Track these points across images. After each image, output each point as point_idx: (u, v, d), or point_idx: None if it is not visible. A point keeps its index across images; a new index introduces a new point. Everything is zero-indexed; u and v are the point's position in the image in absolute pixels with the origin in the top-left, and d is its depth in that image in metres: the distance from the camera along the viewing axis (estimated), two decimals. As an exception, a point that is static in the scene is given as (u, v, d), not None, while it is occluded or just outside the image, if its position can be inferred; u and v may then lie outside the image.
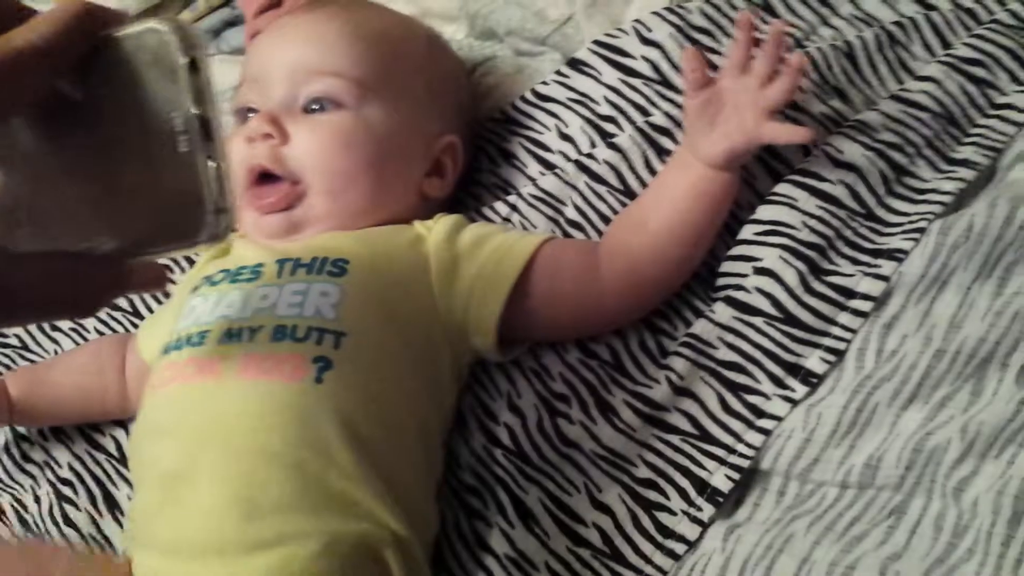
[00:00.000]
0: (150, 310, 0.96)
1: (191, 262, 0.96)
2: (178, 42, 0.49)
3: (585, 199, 0.82)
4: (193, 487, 0.67)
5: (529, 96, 0.90)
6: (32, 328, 1.00)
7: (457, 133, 0.85)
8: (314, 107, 0.79)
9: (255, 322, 0.71)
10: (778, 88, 0.69)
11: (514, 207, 0.84)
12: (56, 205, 0.53)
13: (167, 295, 0.95)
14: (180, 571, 0.67)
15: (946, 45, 0.81)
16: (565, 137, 0.87)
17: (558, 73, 0.89)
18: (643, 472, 0.72)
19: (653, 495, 0.71)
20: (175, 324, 0.77)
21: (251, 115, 0.81)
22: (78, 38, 0.49)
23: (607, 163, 0.81)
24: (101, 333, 0.98)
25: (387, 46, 0.82)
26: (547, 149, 0.87)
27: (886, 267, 0.70)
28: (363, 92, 0.79)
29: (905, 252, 0.70)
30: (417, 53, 0.85)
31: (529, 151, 0.88)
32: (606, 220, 0.81)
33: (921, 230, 0.71)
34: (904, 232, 0.72)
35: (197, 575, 0.66)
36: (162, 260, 0.61)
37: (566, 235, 0.82)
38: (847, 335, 0.70)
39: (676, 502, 0.70)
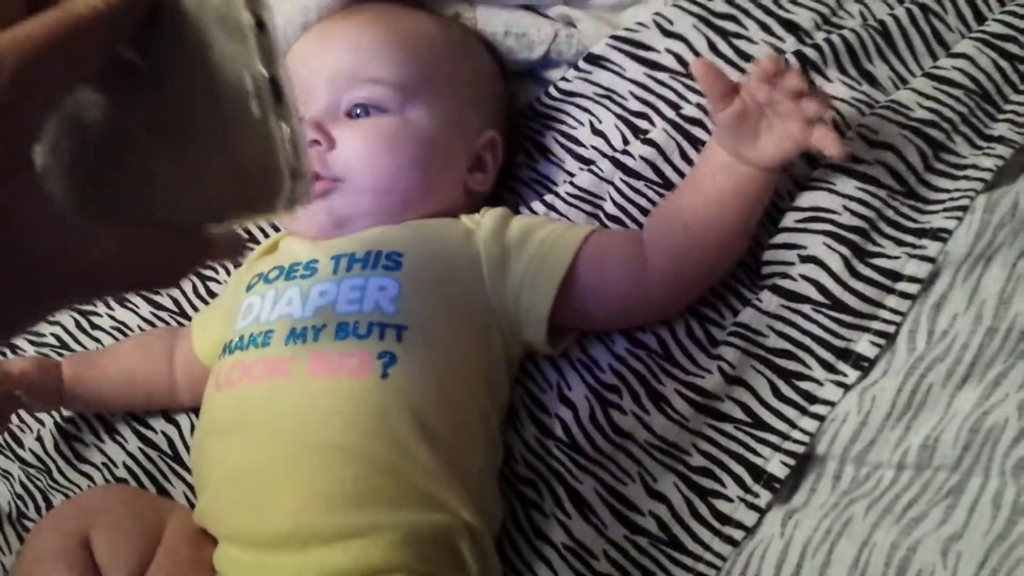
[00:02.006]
0: (195, 308, 0.97)
1: (236, 264, 0.97)
2: (243, 0, 0.47)
3: (623, 194, 0.82)
4: (270, 483, 0.69)
5: (554, 92, 0.91)
6: (71, 326, 1.01)
7: (496, 128, 0.86)
8: (358, 112, 0.80)
9: (317, 320, 0.73)
10: (820, 102, 0.69)
11: (551, 206, 0.85)
12: (128, 177, 0.51)
13: (212, 295, 0.96)
14: (262, 561, 0.69)
15: (978, 15, 0.82)
16: (598, 132, 0.87)
17: (577, 69, 0.89)
18: (698, 460, 0.73)
19: (709, 483, 0.72)
20: (234, 323, 0.78)
21: None
22: (139, 1, 0.47)
23: (643, 158, 0.82)
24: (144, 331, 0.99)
25: (425, 48, 0.83)
26: (581, 144, 0.88)
27: (931, 247, 0.71)
28: (405, 96, 0.80)
29: (949, 232, 0.71)
30: (454, 53, 0.85)
31: (564, 146, 0.89)
32: (646, 213, 0.81)
33: (964, 208, 0.71)
34: (946, 210, 0.72)
35: (279, 564, 0.68)
36: (242, 228, 0.58)
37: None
38: (896, 318, 0.71)
39: (732, 489, 0.71)
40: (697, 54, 0.84)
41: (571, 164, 0.88)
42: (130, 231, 0.48)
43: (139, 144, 0.51)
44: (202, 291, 0.98)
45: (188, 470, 0.88)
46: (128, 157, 0.51)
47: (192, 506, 0.79)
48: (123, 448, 0.91)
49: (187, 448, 0.90)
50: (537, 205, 0.86)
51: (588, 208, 0.84)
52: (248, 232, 0.99)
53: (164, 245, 0.50)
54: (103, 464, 0.91)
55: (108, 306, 1.01)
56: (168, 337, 0.90)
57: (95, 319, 1.00)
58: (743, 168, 0.73)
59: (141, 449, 0.91)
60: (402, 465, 0.68)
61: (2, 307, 0.46)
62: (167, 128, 0.50)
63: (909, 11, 0.82)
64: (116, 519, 0.75)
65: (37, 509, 0.93)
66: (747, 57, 0.83)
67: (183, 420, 0.91)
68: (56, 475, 0.93)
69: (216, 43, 0.48)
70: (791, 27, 0.84)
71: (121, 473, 0.90)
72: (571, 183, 0.85)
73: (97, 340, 0.99)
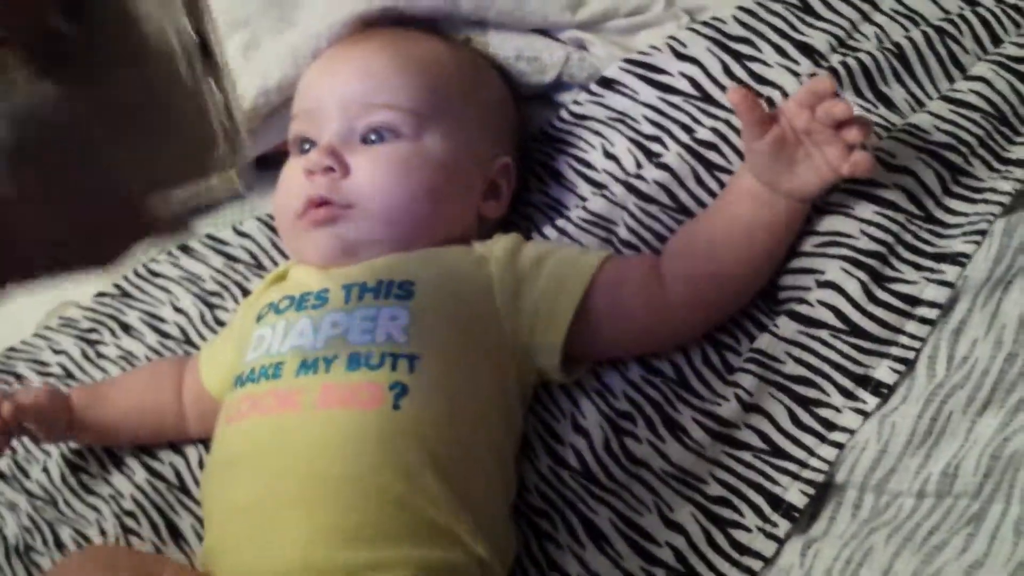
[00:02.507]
0: (202, 337, 0.96)
1: (245, 292, 0.96)
2: None
3: (637, 220, 0.81)
4: (277, 516, 0.68)
5: (566, 116, 0.91)
6: (77, 356, 1.00)
7: (509, 153, 0.86)
8: (372, 138, 0.79)
9: (329, 351, 0.72)
10: (860, 128, 0.68)
11: (563, 231, 0.84)
12: (58, 144, 0.49)
13: (220, 323, 0.96)
14: None
15: (995, 38, 0.81)
16: (610, 156, 0.87)
17: (589, 92, 0.89)
18: (715, 490, 0.71)
19: (726, 512, 0.71)
20: (244, 355, 0.77)
21: (307, 146, 0.81)
22: None
23: (657, 183, 0.81)
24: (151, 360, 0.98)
25: (438, 74, 0.83)
26: (593, 168, 0.88)
27: (950, 272, 0.70)
28: (419, 122, 0.80)
29: (968, 256, 0.70)
30: (467, 79, 0.85)
31: (576, 171, 0.88)
32: (660, 238, 0.80)
33: (982, 232, 0.70)
34: (965, 234, 0.71)
35: None
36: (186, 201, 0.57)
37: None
38: (915, 344, 0.70)
39: (750, 519, 0.70)
40: (711, 77, 0.84)
41: (584, 188, 0.87)
42: (59, 204, 0.47)
43: (72, 113, 0.49)
44: (209, 319, 0.97)
45: (196, 502, 0.87)
46: (60, 127, 0.49)
47: (200, 539, 0.78)
48: (130, 480, 0.90)
49: (195, 479, 0.89)
50: (549, 230, 0.85)
51: (602, 234, 0.83)
52: (256, 260, 0.99)
53: (98, 218, 0.48)
54: (110, 496, 0.90)
55: (115, 335, 1.00)
56: (177, 368, 0.90)
57: (101, 348, 1.00)
58: (778, 198, 0.72)
59: (148, 481, 0.89)
60: (413, 498, 0.67)
61: None
62: (95, 95, 0.48)
63: (925, 34, 0.81)
64: None
65: (44, 542, 0.92)
66: (762, 80, 0.83)
67: (191, 451, 0.90)
68: (63, 506, 0.92)
69: (143, 5, 0.47)
70: (806, 50, 0.83)
71: (128, 505, 0.89)
72: (584, 208, 0.84)
73: (103, 370, 0.99)
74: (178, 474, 0.89)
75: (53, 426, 0.86)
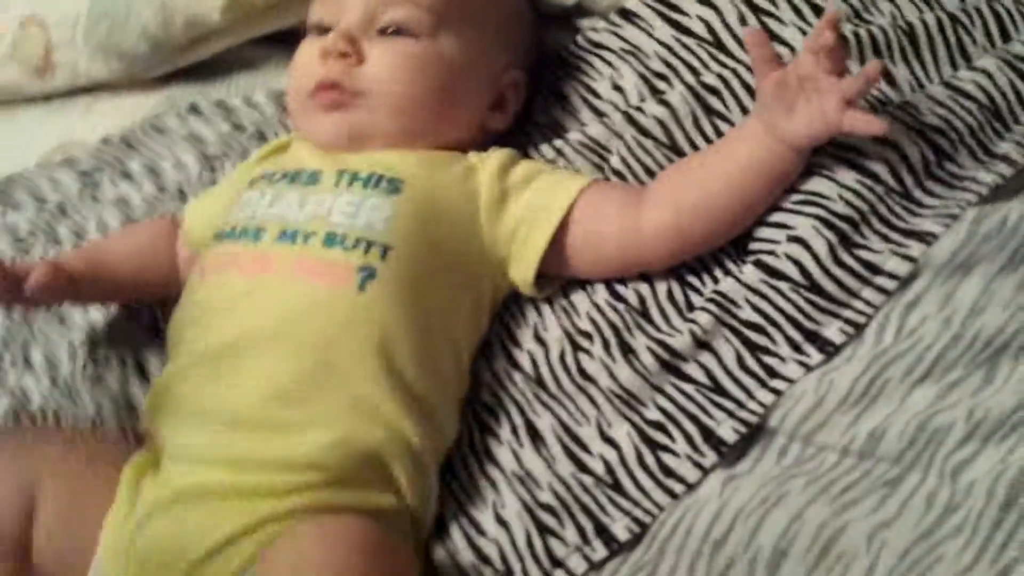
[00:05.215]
0: (194, 191, 1.00)
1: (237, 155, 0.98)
2: None
3: (631, 151, 0.83)
4: (237, 367, 0.72)
5: (581, 41, 0.93)
6: (74, 193, 1.04)
7: (522, 70, 0.88)
8: (390, 31, 0.81)
9: (309, 227, 0.75)
10: (861, 80, 0.69)
11: (560, 151, 0.86)
12: None
13: (213, 172, 0.99)
14: (208, 441, 0.71)
15: (1005, 34, 0.83)
16: (617, 88, 0.89)
17: (609, 21, 0.91)
18: (653, 414, 0.74)
19: (660, 436, 0.74)
20: (229, 213, 0.80)
21: (325, 30, 0.83)
22: None
23: (655, 118, 0.83)
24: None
25: None
26: (599, 97, 0.90)
27: (915, 248, 0.72)
28: (438, 21, 0.82)
29: (935, 235, 0.72)
30: None
31: (582, 97, 0.90)
32: (650, 173, 0.83)
33: (954, 216, 0.73)
34: (937, 215, 0.73)
35: (223, 445, 0.71)
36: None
37: (610, 183, 0.84)
38: (868, 310, 0.72)
39: (681, 446, 0.73)
40: (727, 25, 0.85)
41: (585, 115, 0.89)
42: None
43: None
44: (206, 180, 1.00)
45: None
46: None
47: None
48: (104, 314, 0.93)
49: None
50: (546, 149, 0.87)
51: (595, 159, 0.85)
52: (260, 132, 1.01)
53: None
54: (83, 327, 0.93)
55: (113, 181, 1.03)
56: (170, 227, 0.92)
57: (99, 190, 1.03)
58: (773, 143, 0.74)
59: (123, 320, 0.93)
60: (354, 376, 0.71)
61: None
62: None
63: (938, 19, 0.83)
64: None
65: (13, 363, 0.94)
66: (774, 36, 0.84)
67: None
68: (36, 331, 0.95)
69: None
70: (821, 14, 0.84)
71: (98, 337, 0.92)
72: (582, 131, 0.86)
73: (97, 211, 1.01)
74: (154, 318, 0.92)
75: (56, 294, 0.86)
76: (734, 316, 0.74)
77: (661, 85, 0.86)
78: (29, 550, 0.71)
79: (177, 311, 0.80)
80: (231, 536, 0.67)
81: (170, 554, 0.68)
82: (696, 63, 0.86)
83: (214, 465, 0.71)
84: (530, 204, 0.79)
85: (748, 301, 0.74)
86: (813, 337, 0.73)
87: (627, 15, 0.89)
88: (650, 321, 0.79)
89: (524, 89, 0.88)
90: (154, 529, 0.69)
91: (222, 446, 0.71)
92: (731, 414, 0.73)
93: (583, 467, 0.74)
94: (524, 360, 0.80)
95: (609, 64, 0.89)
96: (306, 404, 0.71)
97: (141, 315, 0.93)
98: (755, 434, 0.73)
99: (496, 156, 0.82)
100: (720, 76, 0.83)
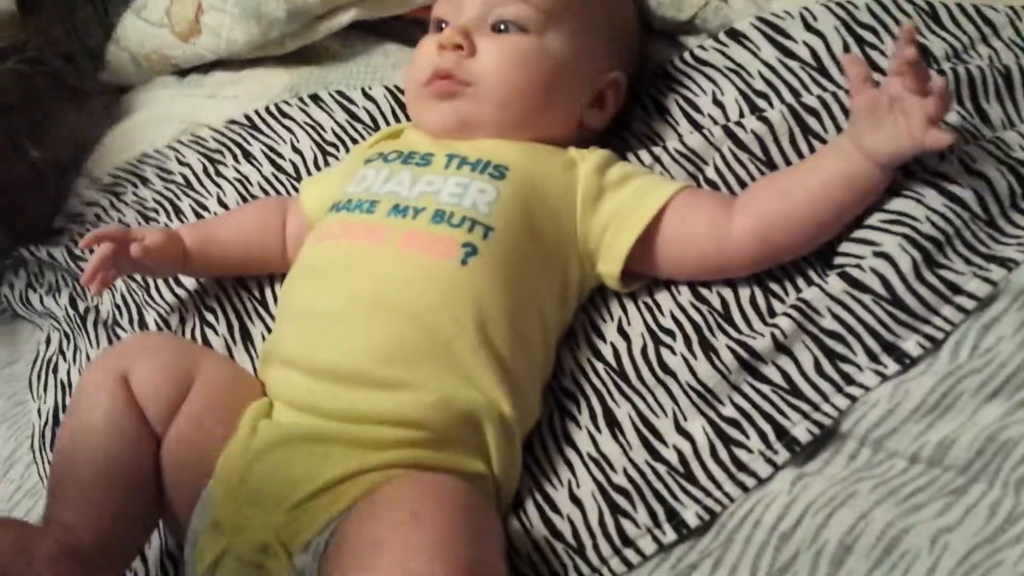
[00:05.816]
0: (309, 172, 1.06)
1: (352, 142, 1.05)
2: None
3: (726, 162, 0.87)
4: (341, 324, 0.78)
5: (687, 58, 0.97)
6: (199, 171, 1.12)
7: (623, 71, 0.93)
8: (501, 27, 0.87)
9: (420, 203, 0.81)
10: (944, 101, 0.72)
11: (658, 158, 0.91)
12: None
13: (327, 157, 1.06)
14: (311, 387, 0.77)
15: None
16: (718, 103, 0.93)
17: (716, 40, 0.95)
18: (729, 411, 0.78)
19: (734, 432, 0.77)
20: (345, 187, 0.87)
21: (443, 26, 0.90)
22: None
23: (754, 133, 0.87)
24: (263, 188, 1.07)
25: None
26: (699, 111, 0.94)
27: (996, 272, 0.75)
28: (547, 19, 0.87)
29: (1016, 262, 0.75)
30: None
31: (682, 110, 0.95)
32: (743, 185, 0.86)
33: (1037, 247, 0.75)
34: (1019, 244, 0.76)
35: (325, 393, 0.76)
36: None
37: (703, 191, 0.88)
38: (947, 327, 0.75)
39: (755, 442, 0.76)
40: (831, 52, 0.89)
41: (684, 127, 0.94)
42: None
43: None
44: (321, 163, 1.07)
45: (272, 315, 0.97)
46: None
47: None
48: (218, 282, 1.00)
49: (274, 296, 0.98)
50: (644, 155, 0.91)
51: (691, 168, 0.89)
52: (375, 122, 1.07)
53: None
54: (196, 291, 1.00)
55: (236, 159, 1.10)
56: (280, 209, 0.99)
57: (222, 168, 1.10)
58: (859, 157, 0.77)
59: (234, 287, 0.99)
60: (455, 342, 0.76)
61: None
62: None
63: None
64: (153, 358, 0.82)
65: (131, 321, 1.02)
66: (876, 68, 0.87)
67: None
68: (153, 293, 1.02)
69: None
70: (923, 52, 0.87)
71: (211, 302, 0.98)
72: (681, 141, 0.90)
73: (219, 187, 1.08)
74: (261, 288, 0.99)
75: (169, 264, 0.95)
76: (815, 324, 0.77)
77: (761, 103, 0.90)
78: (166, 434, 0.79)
79: (291, 273, 0.87)
80: (338, 479, 0.72)
81: (278, 491, 0.73)
82: (798, 85, 0.89)
83: (325, 416, 0.76)
84: (624, 202, 0.84)
85: (830, 310, 0.77)
86: (891, 349, 0.75)
87: (735, 35, 0.93)
88: (732, 323, 0.82)
89: (623, 90, 0.93)
90: (265, 467, 0.75)
91: (332, 398, 0.76)
92: (806, 415, 0.75)
93: (657, 456, 0.78)
94: (607, 351, 0.84)
95: (711, 80, 0.94)
96: (410, 365, 0.76)
97: (250, 286, 0.99)
98: (828, 438, 0.76)
99: (596, 154, 0.87)
100: (820, 98, 0.86)
